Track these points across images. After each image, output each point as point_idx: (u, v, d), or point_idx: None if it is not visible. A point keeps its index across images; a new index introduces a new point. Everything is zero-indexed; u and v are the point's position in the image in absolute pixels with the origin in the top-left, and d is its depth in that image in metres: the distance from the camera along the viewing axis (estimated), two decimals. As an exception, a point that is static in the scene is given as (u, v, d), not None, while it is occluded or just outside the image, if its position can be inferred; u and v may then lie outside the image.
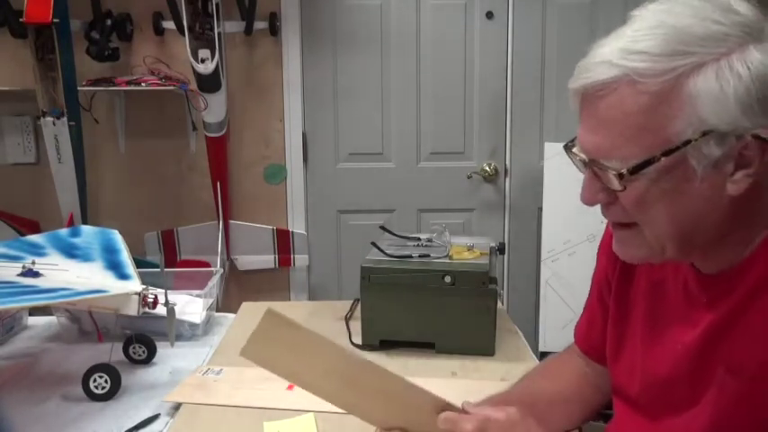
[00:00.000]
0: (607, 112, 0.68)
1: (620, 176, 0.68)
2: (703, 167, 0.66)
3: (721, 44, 0.65)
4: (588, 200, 0.75)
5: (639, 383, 0.87)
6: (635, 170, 0.67)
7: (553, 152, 2.63)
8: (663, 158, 0.66)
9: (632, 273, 0.90)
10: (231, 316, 1.64)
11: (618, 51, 0.67)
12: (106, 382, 1.17)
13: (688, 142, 0.65)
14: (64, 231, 1.43)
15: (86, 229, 1.44)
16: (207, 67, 2.39)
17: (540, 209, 2.70)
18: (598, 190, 0.73)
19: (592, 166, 0.72)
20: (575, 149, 0.75)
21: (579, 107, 0.73)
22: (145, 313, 1.17)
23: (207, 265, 2.55)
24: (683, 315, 0.81)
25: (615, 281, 0.92)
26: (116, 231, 1.40)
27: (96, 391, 1.17)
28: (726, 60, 0.64)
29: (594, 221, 2.71)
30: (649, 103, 0.66)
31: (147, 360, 1.34)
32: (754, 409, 0.71)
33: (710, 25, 0.65)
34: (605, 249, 0.95)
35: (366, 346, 1.40)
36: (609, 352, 0.94)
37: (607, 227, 0.95)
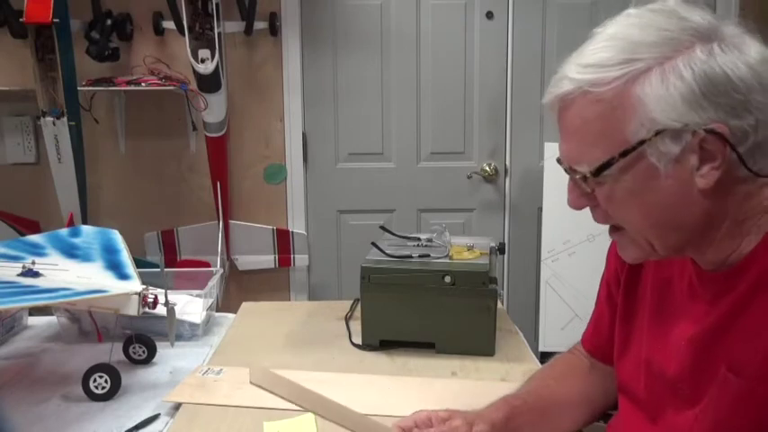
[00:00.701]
0: (571, 122, 0.75)
1: (585, 179, 0.75)
2: (665, 164, 0.70)
3: (667, 48, 0.70)
4: (572, 204, 0.80)
5: (645, 380, 0.88)
6: (597, 171, 0.73)
7: (553, 152, 2.60)
8: (621, 159, 0.71)
9: (641, 270, 0.92)
10: (231, 316, 1.64)
11: (574, 67, 0.75)
12: (106, 382, 1.17)
13: (643, 142, 0.70)
14: (64, 231, 1.43)
15: (86, 229, 1.44)
16: (207, 67, 2.39)
17: (540, 209, 2.70)
18: (579, 195, 0.79)
19: (570, 173, 0.78)
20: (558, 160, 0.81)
21: (557, 119, 0.78)
22: (145, 313, 1.17)
23: (207, 265, 2.55)
24: (686, 311, 0.82)
25: (624, 278, 0.95)
26: (116, 231, 1.40)
27: (96, 391, 1.17)
28: (670, 64, 0.69)
29: (594, 221, 2.71)
30: (604, 109, 0.71)
31: (147, 360, 1.34)
32: (756, 409, 0.72)
33: (658, 32, 0.71)
34: (615, 250, 0.97)
35: (366, 346, 1.40)
36: (616, 349, 0.96)
37: None
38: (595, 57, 0.73)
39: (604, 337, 1.01)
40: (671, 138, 0.69)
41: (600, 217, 0.80)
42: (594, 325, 1.06)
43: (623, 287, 0.95)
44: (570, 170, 0.77)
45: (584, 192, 0.77)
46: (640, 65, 0.70)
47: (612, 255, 0.99)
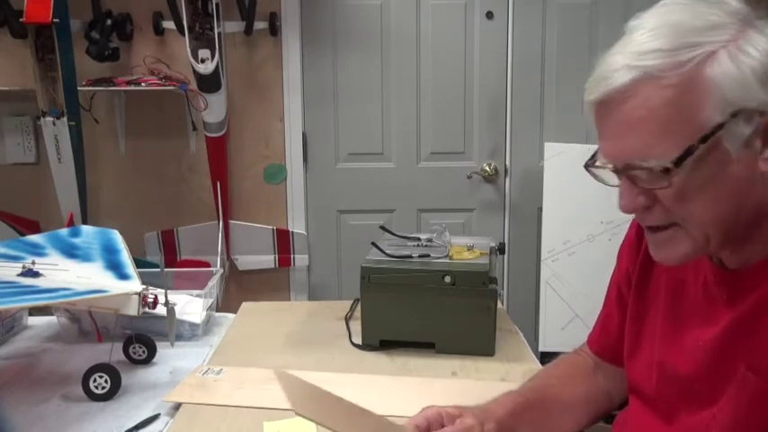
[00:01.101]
0: (633, 114, 0.69)
1: (667, 171, 0.69)
2: (736, 148, 0.68)
3: (722, 32, 0.68)
4: (628, 207, 0.75)
5: (657, 381, 0.87)
6: (679, 162, 0.68)
7: (553, 152, 2.63)
8: (701, 145, 0.67)
9: (652, 270, 0.91)
10: (231, 316, 1.64)
11: (631, 55, 0.69)
12: (106, 382, 1.17)
13: (720, 126, 0.67)
14: (64, 231, 1.43)
15: (86, 229, 1.44)
16: (207, 67, 2.39)
17: (540, 209, 2.70)
18: (637, 194, 0.73)
19: (627, 172, 0.72)
20: (599, 163, 0.76)
21: (598, 119, 0.74)
22: (145, 313, 1.17)
23: (207, 265, 2.55)
24: (702, 313, 0.81)
25: (636, 278, 0.94)
26: (116, 231, 1.40)
27: (96, 391, 1.17)
28: (733, 45, 0.68)
29: (594, 221, 2.71)
30: (674, 95, 0.68)
31: (147, 360, 1.34)
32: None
33: (707, 17, 0.69)
34: (627, 250, 0.97)
35: (366, 346, 1.40)
36: (626, 349, 0.95)
37: (630, 230, 0.98)
38: (654, 43, 0.69)
39: (613, 338, 1.00)
40: (744, 119, 0.67)
41: (659, 216, 0.74)
42: (602, 326, 1.05)
43: (635, 288, 0.94)
44: (629, 168, 0.72)
45: (644, 191, 0.72)
46: (707, 47, 0.68)
47: (624, 255, 0.98)
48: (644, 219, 0.76)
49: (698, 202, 0.71)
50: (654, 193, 0.72)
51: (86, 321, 1.42)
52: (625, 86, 0.69)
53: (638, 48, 0.70)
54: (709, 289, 0.81)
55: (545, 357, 2.57)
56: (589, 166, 0.78)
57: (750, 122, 0.68)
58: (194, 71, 2.41)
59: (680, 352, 0.83)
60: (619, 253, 1.00)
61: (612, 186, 0.77)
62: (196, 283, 1.58)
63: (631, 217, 0.85)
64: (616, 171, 0.74)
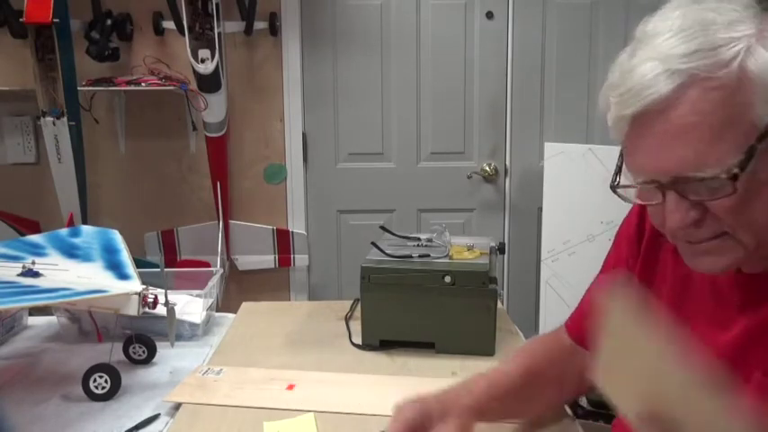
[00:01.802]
0: (681, 122, 0.65)
1: (734, 177, 0.64)
2: None
3: (746, 26, 0.66)
4: (681, 224, 0.69)
5: None
6: (744, 165, 0.64)
7: (553, 152, 2.63)
8: (758, 145, 0.64)
9: (656, 266, 0.88)
10: (231, 316, 1.64)
11: (669, 59, 0.65)
12: (106, 382, 1.17)
13: None
14: (64, 231, 1.43)
15: (86, 229, 1.44)
16: (207, 67, 2.39)
17: (540, 209, 2.71)
18: (688, 209, 0.68)
19: (677, 186, 0.67)
20: (629, 181, 0.71)
21: (633, 133, 0.69)
22: (145, 313, 1.17)
23: (207, 265, 2.55)
24: (710, 314, 0.78)
25: (638, 269, 0.90)
26: (116, 231, 1.40)
27: (96, 391, 1.17)
28: (760, 36, 0.65)
29: (594, 221, 2.71)
30: (723, 96, 0.64)
31: (147, 360, 1.34)
32: None
33: (729, 13, 0.66)
34: (628, 237, 0.93)
35: (366, 346, 1.40)
36: None
37: (630, 217, 0.94)
38: (691, 44, 0.65)
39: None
40: None
41: (710, 229, 0.69)
42: (585, 312, 1.00)
43: (637, 280, 0.89)
44: (680, 181, 0.66)
45: (695, 204, 0.67)
46: (743, 42, 0.64)
47: (623, 241, 0.94)
48: (692, 234, 0.70)
49: (757, 205, 0.66)
50: (704, 205, 0.67)
51: (86, 321, 1.42)
52: (670, 94, 0.64)
53: (674, 51, 0.65)
54: (719, 290, 0.78)
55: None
56: (617, 187, 0.73)
57: None
58: (194, 71, 2.41)
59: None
60: (616, 240, 0.97)
61: (650, 204, 0.71)
62: (196, 283, 1.58)
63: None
64: (661, 187, 0.68)
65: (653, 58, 0.66)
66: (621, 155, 0.75)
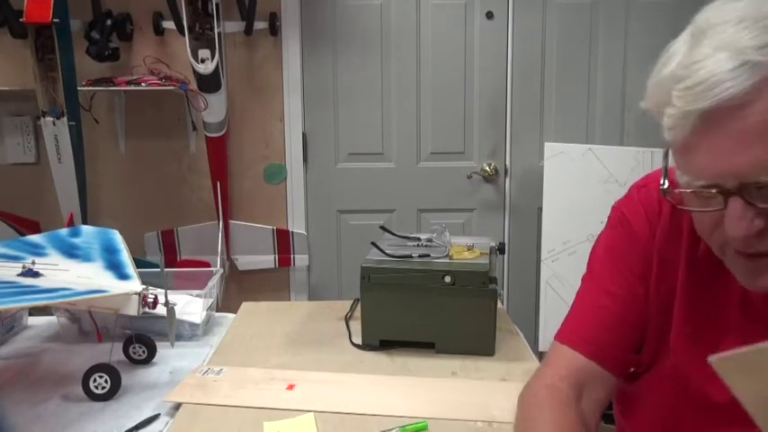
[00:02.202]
0: (759, 119, 0.59)
1: None
2: None
3: None
4: (746, 233, 0.63)
5: (672, 397, 0.79)
6: None
7: (553, 152, 2.63)
8: None
9: (676, 264, 0.80)
10: (231, 316, 1.64)
11: (746, 50, 0.59)
12: (106, 382, 1.17)
13: None
14: (64, 231, 1.43)
15: (86, 229, 1.44)
16: (207, 67, 2.39)
17: (540, 209, 2.70)
18: (753, 217, 0.62)
19: (744, 192, 0.61)
20: (687, 184, 0.65)
21: (700, 131, 0.62)
22: (145, 313, 1.17)
23: (207, 265, 2.55)
24: (738, 329, 0.73)
25: (655, 274, 0.82)
26: (116, 231, 1.40)
27: (96, 391, 1.17)
28: None
29: (594, 221, 2.71)
30: None
31: (147, 360, 1.34)
32: None
33: None
34: (642, 241, 0.84)
35: (366, 346, 1.40)
36: (650, 352, 0.83)
37: (618, 224, 0.87)
38: (765, 36, 0.59)
39: (613, 335, 0.83)
40: None
41: None
42: (595, 320, 0.87)
43: (656, 282, 0.82)
44: (750, 187, 0.61)
45: (759, 212, 0.61)
46: None
47: (626, 255, 0.85)
48: (751, 245, 0.64)
49: None
50: None
51: (86, 321, 1.42)
52: (750, 89, 0.58)
53: (749, 42, 0.59)
54: (752, 307, 0.72)
55: (544, 357, 2.58)
56: (669, 191, 0.67)
57: None
58: (194, 71, 2.41)
59: (709, 372, 0.69)
60: (613, 252, 0.88)
61: (706, 212, 0.65)
62: (196, 283, 1.58)
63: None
64: (725, 192, 0.62)
65: (723, 49, 0.60)
66: (667, 155, 0.69)
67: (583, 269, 0.97)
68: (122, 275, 1.23)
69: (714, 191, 0.63)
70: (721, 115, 0.60)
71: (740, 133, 0.60)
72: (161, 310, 1.20)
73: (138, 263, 1.31)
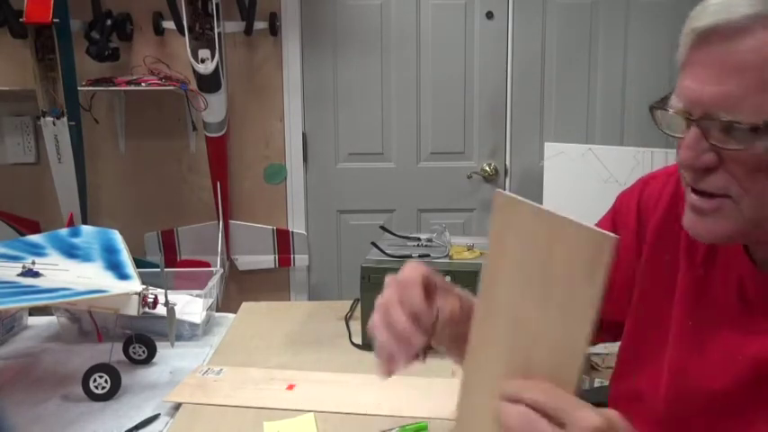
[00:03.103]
0: (738, 57, 0.59)
1: (755, 130, 0.59)
2: None
3: None
4: (692, 161, 0.64)
5: (668, 390, 0.79)
6: None
7: (553, 152, 2.63)
8: None
9: (663, 265, 0.81)
10: (231, 316, 1.64)
11: None
12: (106, 382, 1.17)
13: None
14: (64, 231, 1.43)
15: (86, 229, 1.44)
16: (207, 67, 2.39)
17: (540, 209, 2.70)
18: (704, 150, 0.63)
19: (703, 122, 0.62)
20: (673, 103, 0.65)
21: (693, 52, 0.63)
22: (145, 313, 1.17)
23: (207, 265, 2.55)
24: (735, 319, 0.73)
25: (641, 276, 0.84)
26: (116, 231, 1.40)
27: (96, 391, 1.17)
28: None
29: (594, 221, 2.71)
30: None
31: (147, 360, 1.34)
32: None
33: None
34: (630, 219, 0.87)
35: (366, 346, 1.40)
36: (624, 354, 0.86)
37: (639, 189, 0.87)
38: None
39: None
40: None
41: (718, 182, 0.64)
42: None
43: (641, 286, 0.83)
44: (707, 118, 0.61)
45: (712, 147, 0.62)
46: None
47: (625, 221, 0.87)
48: (698, 180, 0.65)
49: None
50: (724, 154, 0.62)
51: (86, 321, 1.42)
52: (741, 22, 0.59)
53: None
54: (745, 293, 0.72)
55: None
56: (656, 108, 0.67)
57: None
58: (194, 71, 2.41)
59: (712, 363, 0.74)
60: (616, 224, 0.90)
61: (674, 137, 0.65)
62: (196, 283, 1.58)
63: None
64: (689, 119, 0.63)
65: None
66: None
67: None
68: (122, 275, 1.23)
69: (682, 117, 0.64)
70: (711, 43, 0.61)
71: (721, 65, 0.60)
72: (161, 310, 1.20)
73: (138, 263, 1.31)
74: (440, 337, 0.74)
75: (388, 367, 0.72)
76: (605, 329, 0.76)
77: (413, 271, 0.72)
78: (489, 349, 0.65)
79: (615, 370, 0.89)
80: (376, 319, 0.71)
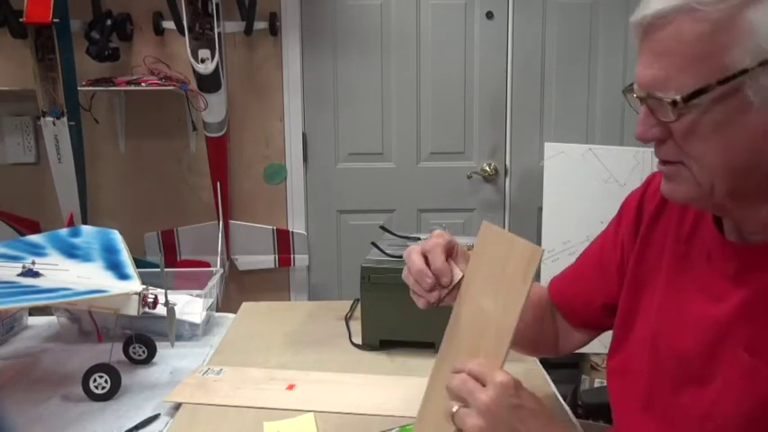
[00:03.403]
0: (665, 44, 0.69)
1: (674, 104, 0.68)
2: (760, 99, 0.66)
3: None
4: (642, 134, 0.74)
5: (650, 356, 0.85)
6: (689, 98, 0.67)
7: (553, 152, 2.63)
8: (718, 86, 0.66)
9: (653, 243, 0.89)
10: (231, 316, 1.64)
11: None
12: (106, 382, 1.17)
13: (745, 71, 0.65)
14: (64, 231, 1.43)
15: (86, 229, 1.44)
16: (207, 67, 2.39)
17: (540, 209, 2.70)
18: (652, 125, 0.72)
19: (647, 101, 0.72)
20: (634, 87, 0.75)
21: (638, 42, 0.73)
22: (145, 313, 1.17)
23: (207, 265, 2.55)
24: (705, 285, 0.79)
25: (635, 255, 0.91)
26: (116, 231, 1.40)
27: (96, 391, 1.17)
28: None
29: (594, 221, 2.71)
30: (708, 31, 0.66)
31: (147, 360, 1.34)
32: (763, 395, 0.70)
33: None
34: (631, 207, 0.95)
35: (366, 345, 1.40)
36: (619, 329, 0.93)
37: (647, 182, 0.96)
38: None
39: (579, 300, 1.00)
40: None
41: (669, 152, 0.73)
42: (571, 281, 1.05)
43: (633, 265, 0.91)
44: (649, 97, 0.71)
45: (659, 122, 0.71)
46: None
47: (627, 213, 0.96)
48: (657, 151, 0.75)
49: (707, 144, 0.69)
50: (669, 127, 0.71)
51: (86, 321, 1.42)
52: (663, 13, 0.68)
53: None
54: (713, 261, 0.79)
55: (545, 357, 2.57)
56: (626, 91, 0.76)
57: None
58: (194, 71, 2.41)
59: (681, 326, 0.81)
60: (621, 209, 0.98)
61: (637, 113, 0.76)
62: (196, 283, 1.58)
63: None
64: (640, 98, 0.72)
65: None
66: None
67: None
68: (122, 275, 1.23)
69: (637, 97, 0.73)
70: (645, 33, 0.71)
71: (652, 50, 0.70)
72: (161, 310, 1.20)
73: (138, 263, 1.31)
74: (455, 295, 0.87)
75: (421, 302, 0.90)
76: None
77: (438, 237, 0.89)
78: (454, 341, 0.85)
79: (610, 347, 0.95)
80: (405, 269, 0.90)
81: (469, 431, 0.73)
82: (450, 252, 0.89)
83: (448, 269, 0.85)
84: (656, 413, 0.83)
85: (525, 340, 1.03)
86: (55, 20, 2.15)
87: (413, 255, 0.87)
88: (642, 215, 0.92)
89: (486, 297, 0.79)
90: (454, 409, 0.75)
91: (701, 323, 0.78)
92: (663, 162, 0.75)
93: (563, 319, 1.06)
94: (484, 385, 0.74)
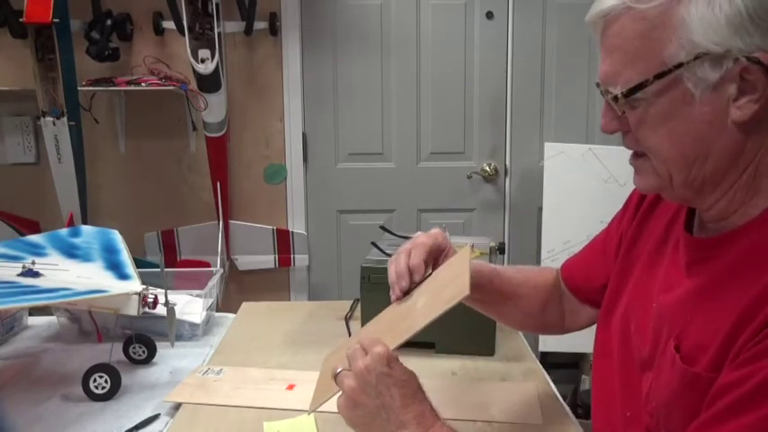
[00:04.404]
0: (612, 41, 0.73)
1: (617, 100, 0.72)
2: (701, 91, 0.68)
3: None
4: (604, 126, 0.78)
5: (620, 340, 0.89)
6: (629, 93, 0.71)
7: (553, 152, 2.63)
8: (655, 81, 0.69)
9: (645, 229, 0.93)
10: (231, 316, 1.64)
11: None
12: (106, 382, 1.17)
13: (680, 65, 0.68)
14: (64, 231, 1.43)
15: (86, 229, 1.44)
16: (207, 67, 2.39)
17: (540, 209, 2.70)
18: (611, 118, 0.76)
19: (605, 95, 0.75)
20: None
21: (599, 39, 0.76)
22: (145, 313, 1.17)
23: (207, 265, 2.55)
24: (666, 274, 0.83)
25: (627, 241, 0.95)
26: (116, 231, 1.40)
27: (96, 391, 1.17)
28: None
29: (594, 221, 2.71)
30: (645, 28, 0.69)
31: (147, 360, 1.34)
32: (697, 393, 0.70)
33: None
34: (636, 195, 0.98)
35: (366, 346, 1.40)
36: (604, 306, 0.97)
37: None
38: None
39: (592, 280, 1.04)
40: (711, 63, 0.67)
41: (630, 142, 0.77)
42: (583, 263, 1.09)
43: (624, 249, 0.95)
44: (605, 91, 0.75)
45: (617, 115, 0.75)
46: None
47: (632, 205, 0.98)
48: (623, 142, 0.79)
49: (658, 135, 0.72)
50: (627, 120, 0.74)
51: (86, 321, 1.42)
52: (606, 13, 0.72)
53: None
54: (677, 252, 0.82)
55: (545, 357, 2.58)
56: (597, 86, 0.79)
57: (718, 67, 0.67)
58: (194, 71, 2.41)
59: (643, 313, 0.84)
60: (628, 200, 1.01)
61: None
62: (196, 283, 1.58)
63: None
64: (601, 92, 0.76)
65: None
66: None
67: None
68: (122, 275, 1.23)
69: (599, 90, 0.77)
70: (596, 31, 0.75)
71: (604, 47, 0.74)
72: (161, 310, 1.20)
73: (138, 263, 1.31)
74: None
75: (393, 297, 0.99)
76: None
77: (428, 237, 0.99)
78: (379, 321, 1.02)
79: (596, 327, 1.00)
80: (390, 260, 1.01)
81: (344, 390, 0.83)
82: (439, 253, 0.98)
83: (422, 268, 0.95)
84: (626, 396, 0.86)
85: (531, 320, 1.12)
86: (55, 20, 2.15)
87: (402, 255, 0.98)
88: (643, 202, 0.95)
89: (422, 298, 0.93)
90: (339, 370, 0.85)
91: (656, 311, 0.81)
92: (633, 155, 0.79)
93: (572, 297, 1.10)
94: (365, 354, 0.83)
